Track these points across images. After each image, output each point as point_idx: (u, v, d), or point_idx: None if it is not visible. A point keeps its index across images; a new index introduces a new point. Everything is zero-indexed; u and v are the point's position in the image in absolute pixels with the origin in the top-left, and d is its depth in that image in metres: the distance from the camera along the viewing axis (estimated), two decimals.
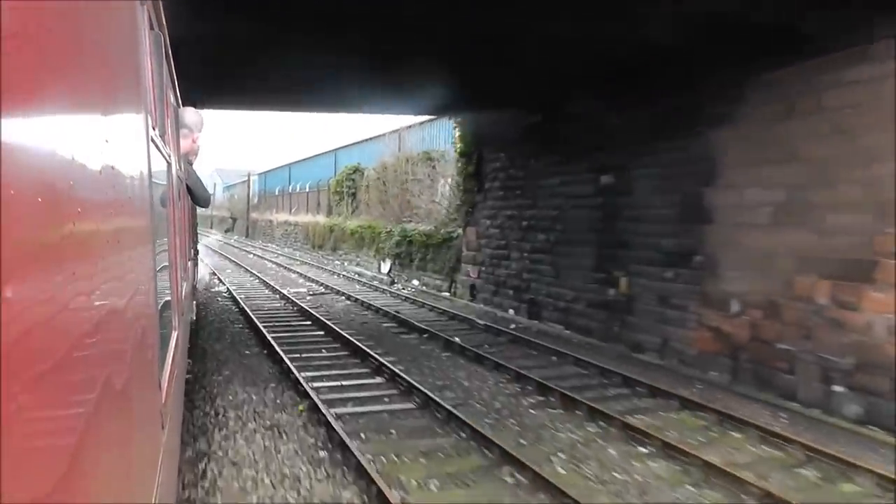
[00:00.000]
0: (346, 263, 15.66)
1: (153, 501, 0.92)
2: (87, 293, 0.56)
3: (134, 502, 0.77)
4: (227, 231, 45.25)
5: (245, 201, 40.69)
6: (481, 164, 8.90)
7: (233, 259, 17.63)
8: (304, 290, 10.46)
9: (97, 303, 0.61)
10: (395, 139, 17.06)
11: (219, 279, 12.11)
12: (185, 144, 2.80)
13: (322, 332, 6.52)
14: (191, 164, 3.07)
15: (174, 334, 1.61)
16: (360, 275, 12.94)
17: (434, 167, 13.11)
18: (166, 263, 1.56)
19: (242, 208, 40.96)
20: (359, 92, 7.11)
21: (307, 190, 28.58)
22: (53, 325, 0.46)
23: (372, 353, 5.26)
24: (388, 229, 13.18)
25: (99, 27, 0.70)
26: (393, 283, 11.61)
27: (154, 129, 1.25)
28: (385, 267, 12.98)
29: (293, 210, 28.61)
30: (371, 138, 20.51)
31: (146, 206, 1.01)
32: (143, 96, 1.08)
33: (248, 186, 40.44)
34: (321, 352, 5.64)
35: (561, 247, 7.03)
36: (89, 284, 0.57)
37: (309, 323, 7.15)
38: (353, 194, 18.97)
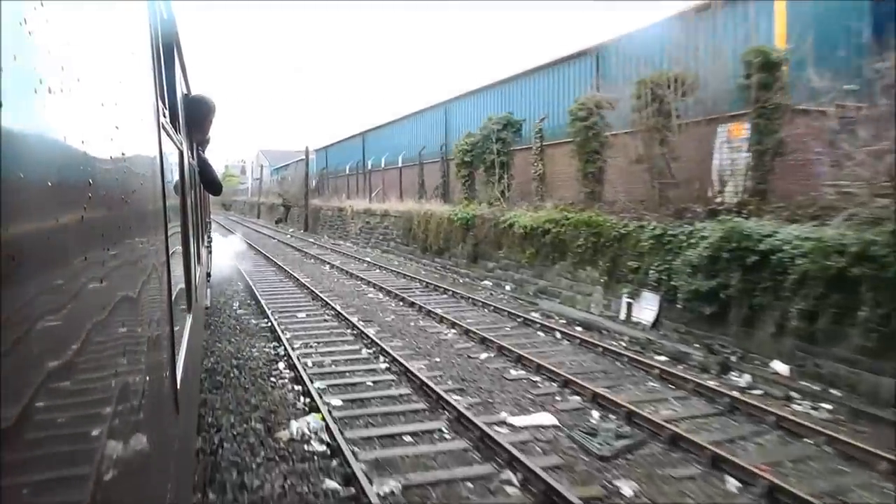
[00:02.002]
0: (511, 288, 15.66)
1: (169, 486, 1.62)
2: (98, 279, 0.90)
3: (150, 487, 1.29)
4: (278, 221, 53.29)
5: (301, 185, 46.57)
6: None
7: (302, 279, 17.80)
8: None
9: (109, 289, 0.96)
10: (590, 63, 17.58)
11: (284, 345, 10.18)
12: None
13: None
14: (202, 151, 4.34)
15: (188, 320, 2.54)
16: (587, 326, 11.31)
17: None
18: (180, 250, 2.48)
19: (298, 193, 47.74)
20: None
21: (399, 164, 31.42)
22: (66, 311, 0.73)
23: None
24: (685, 230, 10.08)
25: (108, 15, 1.12)
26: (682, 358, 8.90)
27: (164, 116, 2.10)
28: (645, 311, 10.54)
29: (374, 194, 33.59)
30: (526, 72, 21.68)
31: (158, 192, 1.76)
32: (152, 83, 1.85)
33: (307, 166, 45.42)
34: None
35: None
36: (101, 270, 0.92)
37: None
38: (506, 165, 19.14)
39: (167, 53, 2.39)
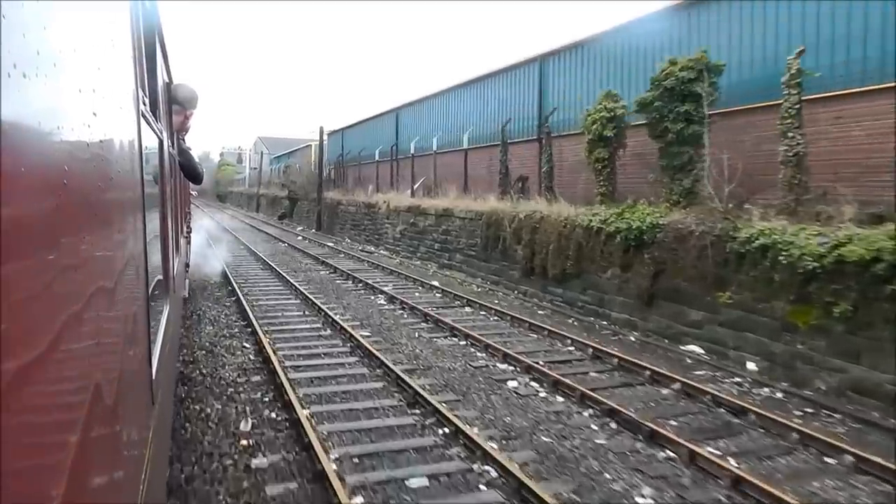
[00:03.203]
0: (757, 367, 12.36)
1: (143, 476, 2.26)
2: (73, 267, 1.21)
3: (123, 475, 1.82)
4: (282, 217, 59.58)
5: (311, 175, 52.93)
6: None
7: (366, 337, 14.59)
8: None
9: (84, 277, 1.30)
10: None
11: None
12: (177, 121, 5.43)
13: None
14: (183, 141, 5.39)
15: (165, 310, 3.39)
16: None
17: None
18: (158, 239, 3.24)
19: (307, 185, 54.13)
20: None
21: (464, 146, 31.78)
22: (39, 299, 0.99)
23: None
24: None
25: (87, 1, 1.52)
26: None
27: (144, 104, 2.83)
28: None
29: (418, 185, 35.64)
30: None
31: (136, 180, 2.45)
32: (132, 70, 2.52)
33: (320, 151, 51.69)
34: None
35: None
36: (76, 258, 1.24)
37: None
38: (699, 139, 16.48)
39: (148, 41, 3.21)
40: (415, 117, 39.97)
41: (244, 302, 18.07)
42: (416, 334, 15.24)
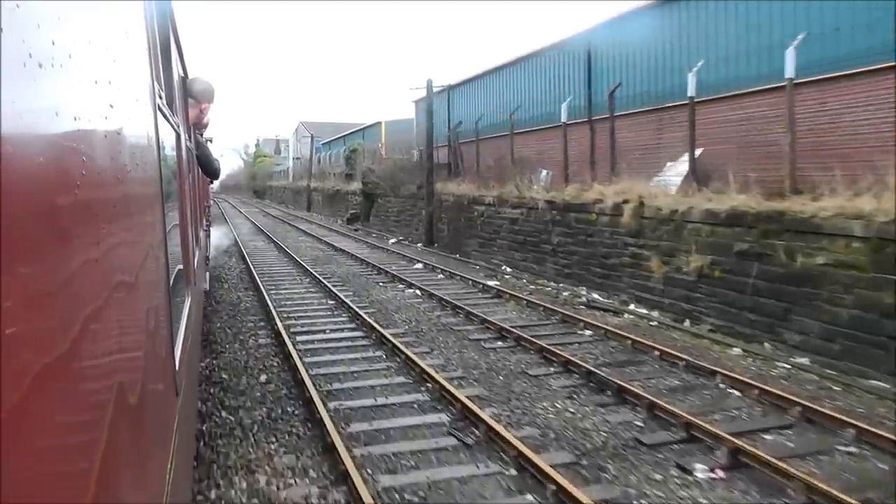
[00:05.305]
0: None
1: (169, 466, 2.31)
2: (93, 260, 1.22)
3: (149, 468, 1.88)
4: (351, 221, 43.57)
5: (398, 161, 39.05)
6: None
7: None
8: None
9: (105, 271, 1.30)
10: None
11: None
12: (193, 114, 5.50)
13: None
14: (201, 135, 5.45)
15: (187, 302, 3.42)
16: None
17: None
18: (178, 232, 3.28)
19: (394, 174, 38.10)
20: None
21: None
22: (61, 291, 0.99)
23: None
24: None
25: None
26: None
27: (161, 98, 2.85)
28: None
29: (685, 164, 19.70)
30: None
31: (155, 172, 2.48)
32: (148, 63, 2.57)
33: (429, 118, 32.46)
34: None
35: None
36: (95, 251, 1.23)
37: None
38: None
39: (163, 35, 3.26)
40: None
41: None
42: None
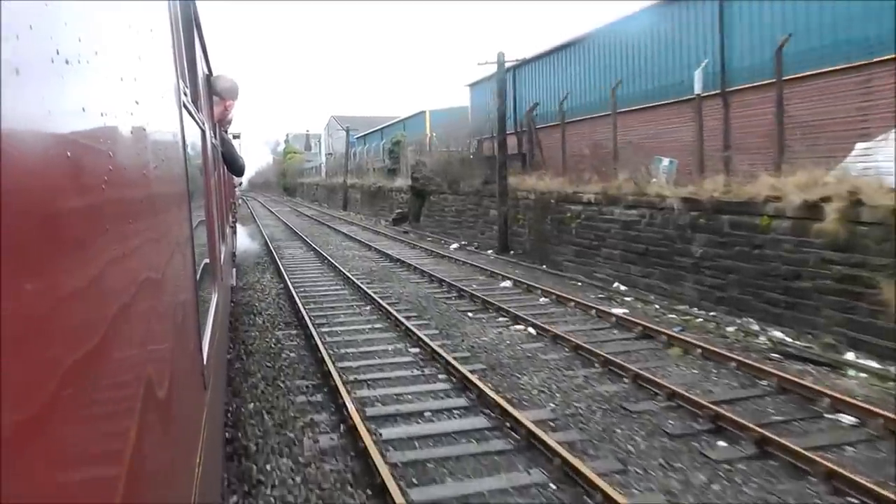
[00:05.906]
0: None
1: (198, 460, 2.33)
2: (121, 256, 1.24)
3: (178, 461, 1.91)
4: (398, 222, 38.62)
5: (451, 155, 34.91)
6: None
7: None
8: None
9: (133, 267, 1.34)
10: None
11: None
12: (217, 111, 5.70)
13: None
14: (226, 132, 5.58)
15: (214, 297, 3.54)
16: None
17: None
18: (204, 228, 3.34)
19: (448, 169, 33.31)
20: None
21: None
22: (89, 286, 1.02)
23: None
24: None
25: None
26: None
27: (186, 95, 2.90)
28: None
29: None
30: None
31: (181, 169, 2.52)
32: (172, 61, 2.60)
33: (501, 100, 26.71)
34: None
35: None
36: (123, 248, 1.26)
37: None
38: None
39: (187, 33, 3.34)
40: None
41: None
42: None
